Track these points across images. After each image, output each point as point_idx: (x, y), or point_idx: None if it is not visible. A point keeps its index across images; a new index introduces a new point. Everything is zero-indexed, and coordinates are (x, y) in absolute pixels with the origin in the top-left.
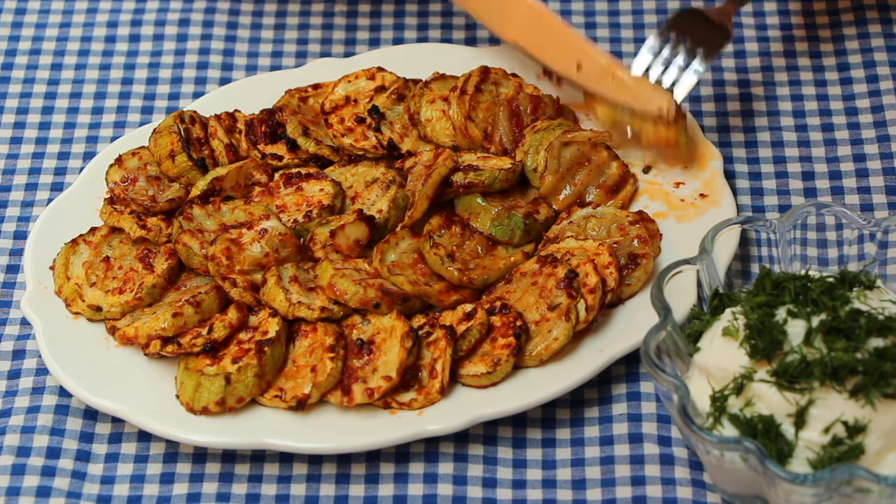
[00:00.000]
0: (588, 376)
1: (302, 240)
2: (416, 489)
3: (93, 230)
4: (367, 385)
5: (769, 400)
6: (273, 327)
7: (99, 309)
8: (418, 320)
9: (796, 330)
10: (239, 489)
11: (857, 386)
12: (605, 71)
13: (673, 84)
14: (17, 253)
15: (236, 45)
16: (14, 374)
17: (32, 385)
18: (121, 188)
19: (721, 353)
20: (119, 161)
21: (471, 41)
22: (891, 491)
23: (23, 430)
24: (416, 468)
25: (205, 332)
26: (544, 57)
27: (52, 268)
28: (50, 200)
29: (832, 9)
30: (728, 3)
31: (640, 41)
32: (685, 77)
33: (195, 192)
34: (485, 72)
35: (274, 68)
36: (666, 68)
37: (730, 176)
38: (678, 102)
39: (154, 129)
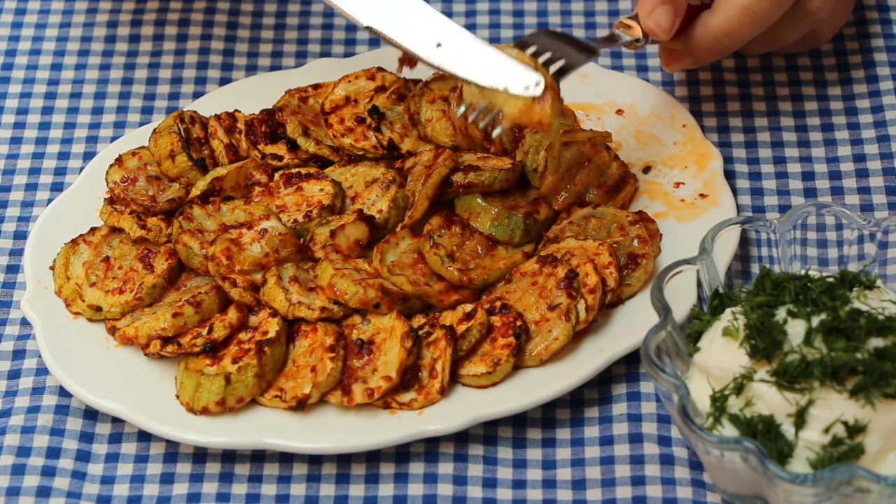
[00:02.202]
0: (588, 376)
1: (302, 240)
2: (416, 489)
3: (93, 230)
4: (367, 385)
5: (769, 400)
6: (273, 327)
7: (99, 309)
8: (418, 320)
9: (796, 330)
10: (239, 489)
11: (857, 386)
12: (466, 48)
13: (547, 64)
14: (17, 253)
15: (236, 45)
16: (14, 374)
17: (32, 385)
18: (121, 188)
19: (721, 353)
20: (119, 161)
21: None
22: (891, 491)
23: (23, 430)
24: (416, 468)
25: (205, 332)
26: (401, 37)
27: (52, 268)
28: (50, 200)
29: None
30: (599, 39)
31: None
32: (559, 61)
33: (195, 192)
34: None
35: (274, 68)
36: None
37: (730, 176)
38: (552, 80)
39: (154, 129)
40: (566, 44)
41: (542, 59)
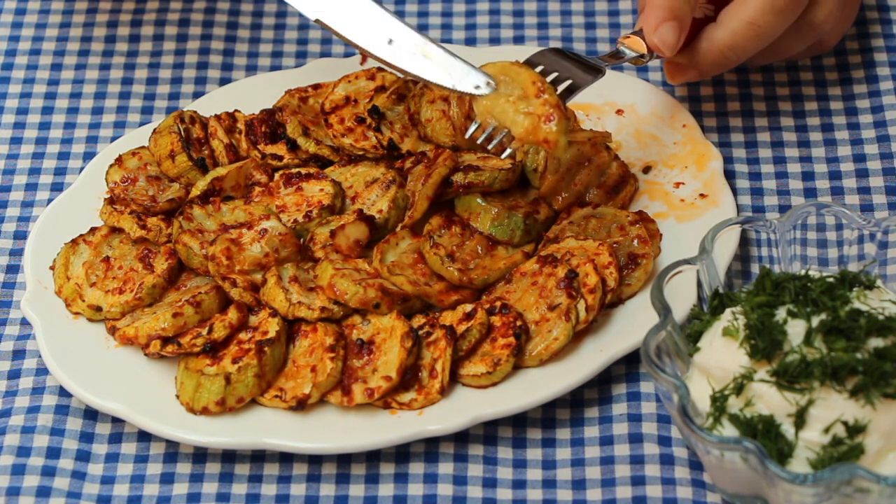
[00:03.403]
0: (588, 376)
1: (302, 240)
2: (416, 489)
3: (93, 230)
4: (367, 385)
5: (769, 400)
6: (273, 327)
7: (99, 309)
8: (418, 320)
9: (796, 330)
10: (239, 489)
11: (857, 386)
12: (417, 48)
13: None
14: (17, 253)
15: (236, 45)
16: (14, 374)
17: (32, 385)
18: (121, 188)
19: (721, 353)
20: (119, 161)
21: (471, 41)
22: (891, 491)
23: (23, 430)
24: (416, 468)
25: (205, 332)
26: (351, 33)
27: (52, 268)
28: (50, 200)
29: None
30: (606, 56)
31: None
32: (566, 81)
33: (195, 192)
34: None
35: (274, 68)
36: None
37: (730, 176)
38: (559, 100)
39: (154, 129)
40: (572, 63)
41: (549, 78)
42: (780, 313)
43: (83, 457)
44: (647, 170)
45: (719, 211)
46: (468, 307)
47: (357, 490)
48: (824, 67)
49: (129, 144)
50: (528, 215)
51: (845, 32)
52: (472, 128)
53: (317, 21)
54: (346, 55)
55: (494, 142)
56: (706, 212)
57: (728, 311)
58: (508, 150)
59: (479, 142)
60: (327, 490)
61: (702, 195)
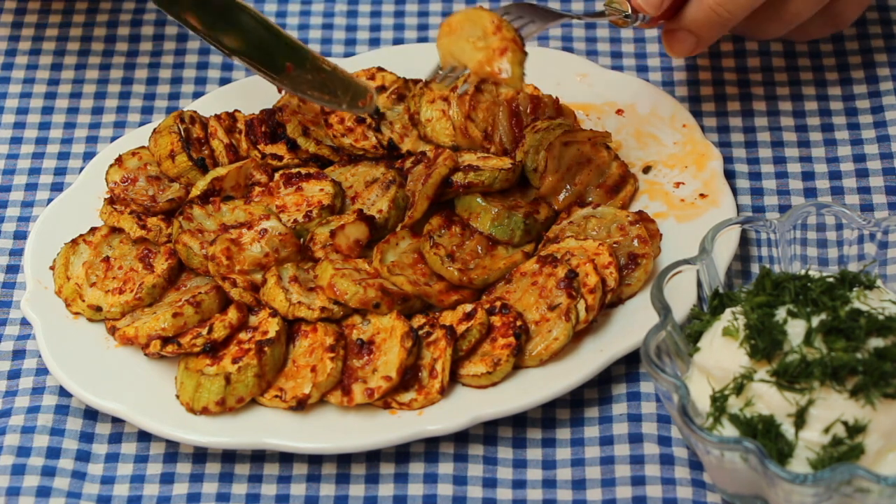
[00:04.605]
0: (588, 376)
1: (302, 240)
2: (416, 489)
3: (93, 230)
4: (367, 385)
5: (769, 400)
6: (273, 327)
7: (99, 309)
8: (418, 320)
9: (796, 330)
10: (239, 489)
11: (857, 386)
12: (314, 66)
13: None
14: (17, 253)
15: None
16: (14, 374)
17: (32, 385)
18: (121, 188)
19: (721, 353)
20: (119, 161)
21: None
22: (891, 491)
23: (23, 430)
24: (416, 468)
25: (205, 332)
26: (260, 63)
27: (52, 268)
28: (50, 200)
29: None
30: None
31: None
32: (531, 24)
33: (195, 192)
34: None
35: None
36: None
37: (730, 176)
38: (515, 35)
39: (154, 129)
40: (541, 11)
41: (513, 20)
42: (780, 313)
43: (83, 457)
44: (647, 170)
45: (719, 211)
46: (468, 307)
47: (357, 490)
48: (824, 67)
49: (129, 144)
50: (528, 215)
51: (867, 4)
52: (433, 70)
53: (238, 59)
54: (346, 55)
55: (451, 79)
56: (706, 212)
57: (728, 311)
58: (464, 86)
59: (437, 82)
60: (327, 490)
61: (702, 195)
